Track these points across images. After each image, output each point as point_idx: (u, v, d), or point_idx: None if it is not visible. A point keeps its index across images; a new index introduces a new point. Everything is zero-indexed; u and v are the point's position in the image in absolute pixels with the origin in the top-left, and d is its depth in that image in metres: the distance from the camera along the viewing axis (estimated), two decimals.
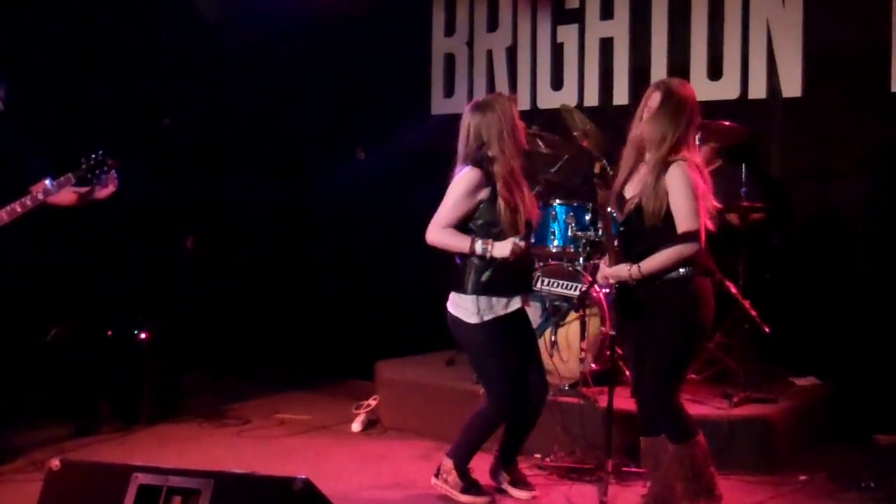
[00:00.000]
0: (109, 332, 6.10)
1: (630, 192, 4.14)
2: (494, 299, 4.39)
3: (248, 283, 7.76)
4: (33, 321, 6.20)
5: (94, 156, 5.03)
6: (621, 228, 4.19)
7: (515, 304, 4.46)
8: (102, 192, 5.12)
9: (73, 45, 6.65)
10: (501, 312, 4.41)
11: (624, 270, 4.08)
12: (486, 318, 4.38)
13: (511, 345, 4.50)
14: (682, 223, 3.96)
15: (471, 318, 4.39)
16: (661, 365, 4.06)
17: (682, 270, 4.00)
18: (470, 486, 4.57)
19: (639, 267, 4.03)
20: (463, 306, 4.41)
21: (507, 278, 4.40)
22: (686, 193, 3.96)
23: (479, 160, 4.41)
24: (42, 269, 6.33)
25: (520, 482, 4.68)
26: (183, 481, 2.90)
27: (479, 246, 4.35)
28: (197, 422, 6.04)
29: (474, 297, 4.38)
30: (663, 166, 4.00)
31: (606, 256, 4.23)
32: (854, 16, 5.76)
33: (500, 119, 4.40)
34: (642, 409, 4.23)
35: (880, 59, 5.59)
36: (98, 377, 6.10)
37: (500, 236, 4.38)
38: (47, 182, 4.94)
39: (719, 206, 4.18)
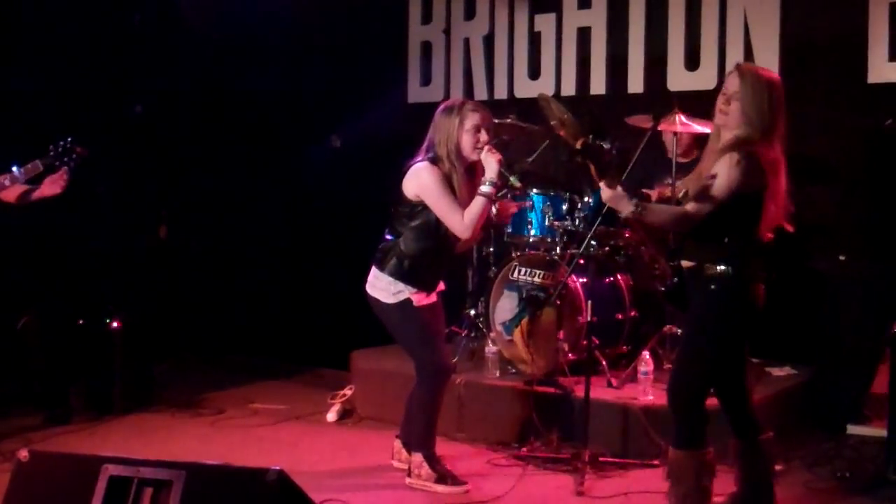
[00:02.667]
0: (81, 321, 6.03)
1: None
2: (406, 287, 4.48)
3: (223, 272, 7.71)
4: (2, 310, 6.13)
5: (62, 143, 4.93)
6: None
7: (425, 300, 4.53)
8: (48, 190, 4.92)
9: (41, 28, 6.54)
10: (412, 299, 4.48)
11: (626, 203, 3.61)
12: (400, 298, 4.48)
13: (428, 320, 4.57)
14: (698, 199, 3.58)
15: (387, 299, 4.51)
16: (685, 353, 3.91)
17: (722, 268, 3.68)
18: (444, 476, 4.56)
19: (643, 206, 3.61)
20: (379, 286, 4.54)
21: (423, 274, 4.52)
22: (723, 181, 3.57)
23: (434, 158, 4.48)
24: (12, 257, 6.25)
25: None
26: (154, 472, 2.86)
27: (485, 188, 4.41)
28: (170, 412, 5.99)
29: (390, 278, 4.48)
30: (723, 153, 3.63)
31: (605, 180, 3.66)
32: (831, 7, 5.76)
33: (450, 126, 4.44)
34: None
35: (857, 50, 5.60)
36: (69, 367, 6.04)
37: (431, 251, 4.46)
38: (14, 169, 4.83)
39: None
